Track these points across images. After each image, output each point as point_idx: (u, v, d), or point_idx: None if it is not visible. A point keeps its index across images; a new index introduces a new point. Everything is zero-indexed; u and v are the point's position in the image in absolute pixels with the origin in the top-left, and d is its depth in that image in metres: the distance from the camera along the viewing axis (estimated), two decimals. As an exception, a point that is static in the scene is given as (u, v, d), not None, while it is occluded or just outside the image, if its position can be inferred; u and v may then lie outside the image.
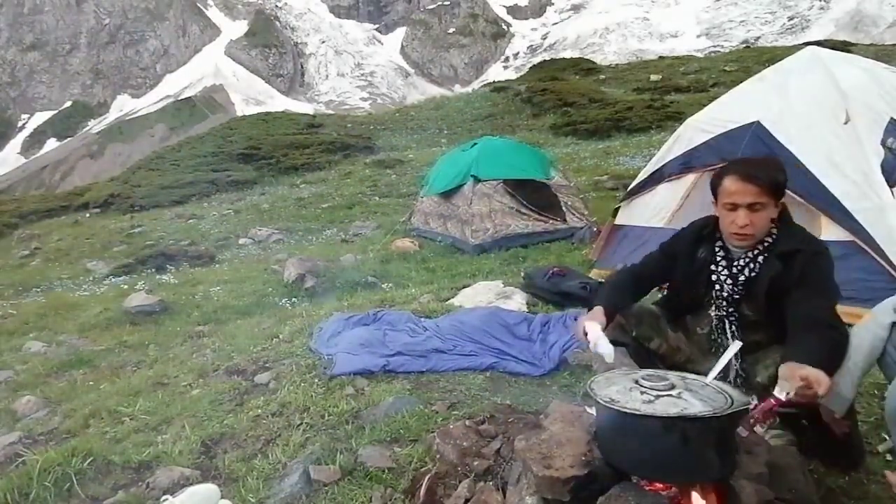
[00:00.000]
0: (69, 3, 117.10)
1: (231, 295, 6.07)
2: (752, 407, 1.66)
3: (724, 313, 2.12)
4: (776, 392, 1.64)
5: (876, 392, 2.53)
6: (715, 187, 2.07)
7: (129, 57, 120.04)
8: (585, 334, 2.04)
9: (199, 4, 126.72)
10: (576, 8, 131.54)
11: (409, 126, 24.52)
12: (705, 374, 1.76)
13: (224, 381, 3.32)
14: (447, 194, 7.64)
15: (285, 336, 4.05)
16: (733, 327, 2.11)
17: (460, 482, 1.98)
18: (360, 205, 12.34)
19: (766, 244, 2.03)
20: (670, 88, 24.33)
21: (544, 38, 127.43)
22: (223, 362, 3.66)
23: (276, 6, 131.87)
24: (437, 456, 2.17)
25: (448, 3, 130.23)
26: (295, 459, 2.33)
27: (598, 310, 2.12)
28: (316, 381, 3.13)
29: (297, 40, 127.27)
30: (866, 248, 3.49)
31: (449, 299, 4.61)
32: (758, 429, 1.73)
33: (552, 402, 2.20)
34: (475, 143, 8.21)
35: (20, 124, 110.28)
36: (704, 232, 2.16)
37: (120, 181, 20.81)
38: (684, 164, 4.66)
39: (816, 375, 1.63)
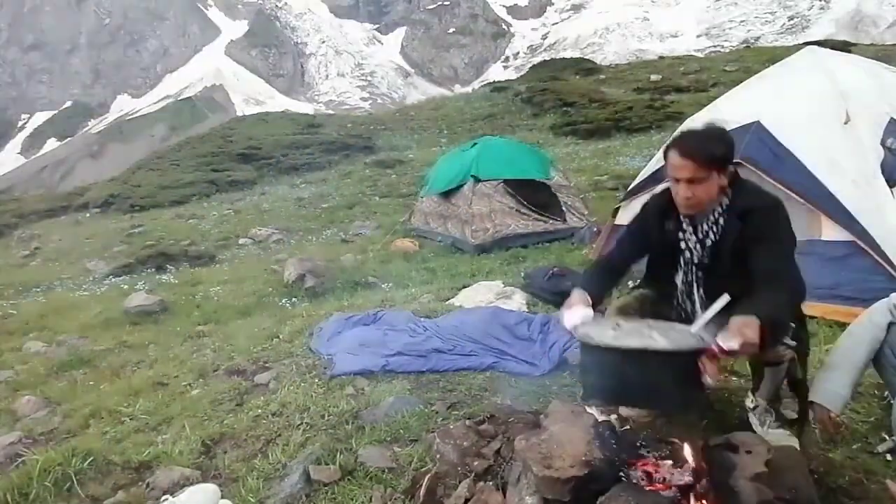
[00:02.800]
0: (69, 3, 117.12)
1: (231, 295, 6.07)
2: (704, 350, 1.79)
3: (692, 278, 2.22)
4: (719, 341, 1.75)
5: (876, 392, 2.53)
6: (665, 158, 2.17)
7: (129, 57, 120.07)
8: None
9: (199, 4, 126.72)
10: (576, 8, 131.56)
11: (409, 126, 24.51)
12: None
13: (224, 381, 3.32)
14: (447, 194, 7.64)
15: (285, 336, 4.05)
16: (701, 290, 2.20)
17: (460, 482, 1.98)
18: (360, 205, 12.34)
19: (724, 206, 2.12)
20: (670, 88, 24.31)
21: (544, 38, 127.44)
22: (223, 362, 3.66)
23: (276, 6, 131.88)
24: (437, 456, 2.17)
25: (448, 3, 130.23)
26: (295, 459, 2.33)
27: (578, 293, 2.17)
28: (316, 381, 3.13)
29: (297, 40, 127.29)
30: (866, 248, 3.49)
31: (449, 299, 4.61)
32: (708, 378, 1.80)
33: (552, 402, 2.20)
34: (475, 143, 8.20)
35: (20, 124, 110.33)
36: (668, 204, 2.22)
37: (120, 181, 20.83)
38: (684, 164, 4.66)
39: (753, 329, 1.74)
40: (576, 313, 2.07)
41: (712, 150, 2.06)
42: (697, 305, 2.21)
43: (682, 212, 2.16)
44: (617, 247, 2.45)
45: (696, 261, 2.19)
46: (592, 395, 1.90)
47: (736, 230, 2.09)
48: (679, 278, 2.24)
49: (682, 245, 2.21)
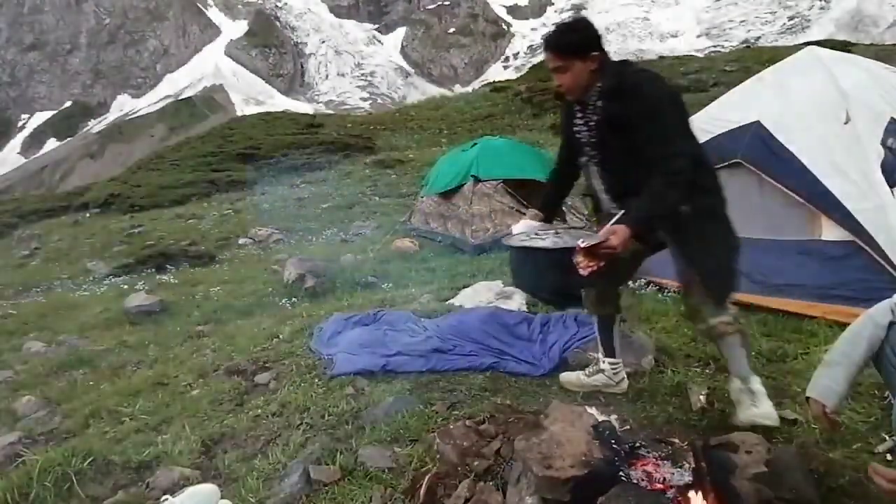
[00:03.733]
0: (69, 3, 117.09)
1: (231, 295, 6.07)
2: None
3: (588, 157, 2.46)
4: (580, 242, 2.12)
5: (876, 392, 2.53)
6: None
7: (129, 57, 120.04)
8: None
9: (199, 4, 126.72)
10: (576, 8, 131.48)
11: (409, 126, 24.51)
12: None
13: (224, 381, 3.32)
14: (447, 194, 7.64)
15: (285, 336, 4.05)
16: (598, 170, 2.45)
17: (460, 482, 1.98)
18: (360, 205, 12.34)
19: (598, 89, 2.33)
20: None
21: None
22: (223, 362, 3.66)
23: (276, 6, 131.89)
24: (437, 456, 2.16)
25: (448, 3, 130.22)
26: (295, 459, 2.33)
27: (531, 210, 2.70)
28: (316, 381, 3.13)
29: (297, 40, 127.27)
30: (867, 248, 3.49)
31: (449, 299, 4.61)
32: (580, 269, 2.12)
33: (552, 402, 2.20)
34: (475, 143, 8.20)
35: (20, 124, 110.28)
36: None
37: (120, 181, 20.84)
38: (684, 164, 4.65)
39: (617, 234, 2.06)
40: (521, 224, 2.58)
41: (567, 40, 2.31)
42: (597, 183, 2.47)
43: (574, 101, 2.41)
44: (558, 154, 2.72)
45: (585, 142, 2.43)
46: (512, 281, 2.72)
47: (608, 109, 2.30)
48: (583, 160, 2.50)
49: (575, 128, 2.45)
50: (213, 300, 5.96)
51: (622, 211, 2.20)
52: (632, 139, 2.22)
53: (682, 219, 2.25)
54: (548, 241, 2.38)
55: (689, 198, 2.20)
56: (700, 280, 2.32)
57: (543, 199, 2.76)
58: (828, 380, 1.88)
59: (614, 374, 2.72)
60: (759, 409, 2.25)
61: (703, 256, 2.30)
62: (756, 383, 2.32)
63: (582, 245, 2.10)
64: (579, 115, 2.42)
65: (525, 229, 2.54)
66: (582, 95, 2.35)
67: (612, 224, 2.13)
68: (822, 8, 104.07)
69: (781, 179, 3.91)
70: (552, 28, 2.41)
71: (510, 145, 8.49)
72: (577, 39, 2.31)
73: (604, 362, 2.73)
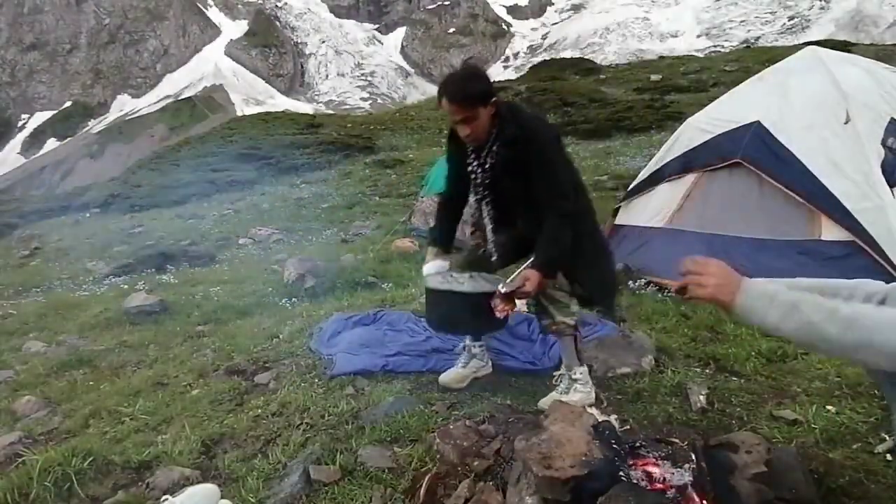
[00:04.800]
0: (69, 3, 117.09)
1: (231, 295, 6.06)
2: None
3: (480, 196, 2.62)
4: (500, 288, 2.33)
5: (875, 392, 2.53)
6: (439, 105, 2.47)
7: (129, 57, 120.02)
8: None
9: (199, 4, 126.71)
10: (576, 8, 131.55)
11: (409, 126, 24.52)
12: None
13: (224, 381, 3.32)
14: (447, 194, 7.64)
15: (285, 336, 4.05)
16: (489, 209, 2.62)
17: (460, 482, 1.98)
18: (360, 205, 12.34)
19: (494, 134, 2.45)
20: (670, 88, 24.34)
21: (544, 38, 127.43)
22: (223, 362, 3.66)
23: (276, 6, 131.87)
24: (437, 456, 2.16)
25: (448, 3, 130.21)
26: (295, 459, 2.32)
27: (430, 249, 2.79)
28: (316, 381, 3.13)
29: (297, 40, 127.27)
30: (866, 248, 3.49)
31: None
32: (497, 312, 2.35)
33: (552, 403, 2.19)
34: (475, 143, 8.20)
35: (20, 124, 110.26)
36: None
37: (120, 181, 20.86)
38: (684, 165, 4.66)
39: (531, 280, 2.30)
40: (431, 265, 2.65)
41: (472, 90, 2.37)
42: (486, 220, 2.65)
43: (469, 145, 2.52)
44: (445, 189, 2.84)
45: (478, 181, 2.58)
46: (429, 322, 2.74)
47: (505, 155, 2.44)
48: (472, 198, 2.68)
49: (470, 169, 2.59)
50: (213, 300, 5.95)
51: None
52: (524, 182, 2.40)
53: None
54: (466, 284, 2.51)
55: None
56: (589, 296, 2.63)
57: (441, 233, 2.84)
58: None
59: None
60: (569, 395, 2.56)
61: (589, 277, 2.56)
62: (578, 373, 2.63)
63: (502, 290, 2.31)
64: (473, 156, 2.55)
65: (437, 269, 2.65)
66: (484, 141, 2.46)
67: (523, 271, 2.39)
68: (822, 8, 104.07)
69: (781, 179, 3.91)
70: (449, 79, 2.44)
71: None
72: (482, 88, 2.39)
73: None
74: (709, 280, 1.48)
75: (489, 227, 2.65)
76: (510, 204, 2.55)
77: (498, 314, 2.34)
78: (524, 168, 2.39)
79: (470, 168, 2.58)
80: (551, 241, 2.37)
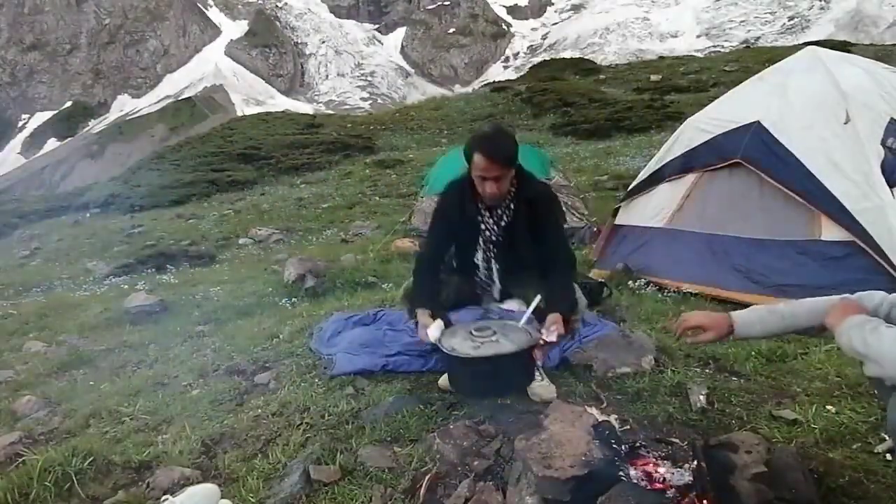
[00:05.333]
0: (69, 3, 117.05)
1: (231, 295, 6.06)
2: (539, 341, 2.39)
3: (490, 254, 2.68)
4: (545, 336, 2.37)
5: (875, 392, 2.52)
6: (467, 158, 2.51)
7: (130, 57, 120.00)
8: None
9: (199, 4, 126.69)
10: (576, 8, 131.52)
11: (409, 126, 24.53)
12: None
13: (224, 380, 3.32)
14: (447, 194, 7.63)
15: (285, 336, 4.05)
16: (496, 264, 2.68)
17: (460, 482, 1.98)
18: (360, 205, 12.34)
19: (512, 193, 2.57)
20: (670, 88, 24.37)
21: (544, 38, 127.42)
22: (223, 362, 3.66)
23: (277, 6, 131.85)
24: (437, 456, 2.16)
25: (448, 3, 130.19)
26: (295, 459, 2.32)
27: (422, 312, 2.61)
28: (316, 380, 3.13)
29: (297, 40, 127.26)
30: (866, 248, 3.50)
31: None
32: (538, 360, 2.44)
33: (552, 402, 2.20)
34: (475, 144, 8.19)
35: (20, 124, 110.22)
36: (466, 192, 2.62)
37: (120, 181, 20.87)
38: (684, 165, 4.66)
39: (560, 323, 2.41)
40: (433, 329, 2.48)
41: (510, 151, 2.47)
42: (495, 276, 2.72)
43: (487, 203, 2.58)
44: (431, 246, 2.81)
45: (493, 239, 2.65)
46: (465, 394, 2.45)
47: (525, 213, 2.57)
48: (479, 256, 2.69)
49: (483, 227, 2.64)
50: (214, 300, 5.95)
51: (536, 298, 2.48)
52: (535, 239, 2.57)
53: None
54: (503, 342, 2.34)
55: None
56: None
57: (429, 296, 2.69)
58: (759, 314, 1.86)
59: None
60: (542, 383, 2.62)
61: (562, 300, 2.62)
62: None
63: (548, 340, 2.38)
64: (486, 214, 2.62)
65: (445, 331, 2.51)
66: (502, 199, 2.57)
67: (552, 317, 2.43)
68: (821, 8, 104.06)
69: (781, 179, 3.91)
70: (486, 137, 2.49)
71: (510, 145, 8.47)
72: (515, 149, 2.50)
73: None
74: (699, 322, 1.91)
75: (497, 284, 2.73)
76: (519, 260, 2.64)
77: (539, 361, 2.42)
78: (539, 224, 2.56)
79: (484, 226, 2.63)
80: (566, 288, 2.56)
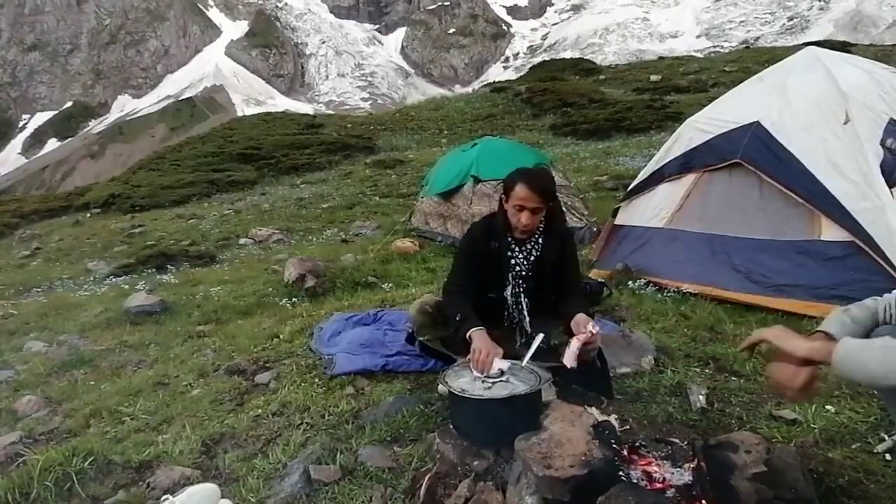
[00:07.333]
0: (70, 4, 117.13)
1: (231, 295, 6.07)
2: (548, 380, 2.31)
3: (519, 289, 2.64)
4: (567, 363, 2.27)
5: (875, 392, 2.53)
6: (507, 189, 2.54)
7: (130, 57, 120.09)
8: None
9: (199, 5, 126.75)
10: (576, 8, 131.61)
11: (409, 126, 24.53)
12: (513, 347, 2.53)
13: (224, 380, 3.33)
14: (447, 194, 7.63)
15: (285, 336, 4.05)
16: (525, 298, 2.65)
17: (460, 482, 1.98)
18: (360, 205, 12.33)
19: (540, 228, 2.61)
20: (670, 88, 24.36)
21: (544, 38, 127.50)
22: (223, 362, 3.67)
23: (277, 6, 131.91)
24: (437, 455, 2.17)
25: (448, 3, 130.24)
26: (295, 459, 2.33)
27: (480, 335, 2.36)
28: (316, 380, 3.13)
29: (297, 40, 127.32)
30: (866, 248, 3.49)
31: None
32: (572, 359, 2.28)
33: (552, 402, 2.20)
34: (475, 144, 8.19)
35: (21, 124, 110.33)
36: (494, 227, 2.64)
37: (120, 181, 20.85)
38: (684, 165, 4.66)
39: (589, 321, 2.37)
40: (501, 361, 2.28)
41: (550, 186, 2.59)
42: (525, 311, 2.65)
43: (518, 235, 2.58)
44: (460, 276, 2.69)
45: (522, 273, 2.63)
46: (474, 439, 2.14)
47: (555, 247, 2.62)
48: (508, 291, 2.64)
49: (513, 261, 2.62)
50: (214, 300, 5.95)
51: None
52: (559, 271, 2.62)
53: None
54: (516, 383, 2.20)
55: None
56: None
57: (484, 321, 2.47)
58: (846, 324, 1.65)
59: None
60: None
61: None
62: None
63: (593, 330, 2.30)
64: (516, 249, 2.62)
65: (501, 358, 2.31)
66: (532, 233, 2.60)
67: (581, 317, 2.39)
68: (821, 8, 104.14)
69: (781, 179, 3.91)
70: (530, 172, 2.59)
71: (510, 146, 8.47)
72: (554, 187, 2.64)
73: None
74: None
75: (527, 318, 2.68)
76: (544, 293, 2.67)
77: (571, 364, 2.28)
78: (562, 259, 2.64)
79: (514, 260, 2.62)
80: (585, 304, 2.63)
